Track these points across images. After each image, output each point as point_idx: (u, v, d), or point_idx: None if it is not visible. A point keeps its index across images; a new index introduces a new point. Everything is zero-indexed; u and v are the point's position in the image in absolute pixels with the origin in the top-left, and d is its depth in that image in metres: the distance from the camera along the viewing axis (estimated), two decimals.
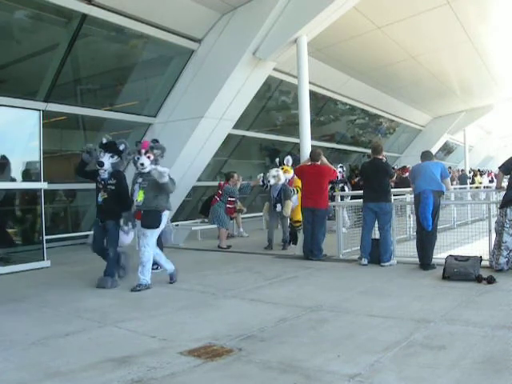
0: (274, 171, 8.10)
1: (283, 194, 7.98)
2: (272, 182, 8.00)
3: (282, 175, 8.07)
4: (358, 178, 11.26)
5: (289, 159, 8.60)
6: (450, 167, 17.34)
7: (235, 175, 8.69)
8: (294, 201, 8.08)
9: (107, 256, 5.38)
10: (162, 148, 5.31)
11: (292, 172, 8.26)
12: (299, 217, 7.68)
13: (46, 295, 5.02)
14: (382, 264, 6.13)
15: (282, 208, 7.94)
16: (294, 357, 3.00)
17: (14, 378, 2.81)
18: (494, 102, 18.95)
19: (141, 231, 5.17)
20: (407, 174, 10.25)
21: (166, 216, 5.30)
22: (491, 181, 20.18)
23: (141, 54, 8.80)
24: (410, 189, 6.66)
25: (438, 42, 11.01)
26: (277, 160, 9.07)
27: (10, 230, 7.67)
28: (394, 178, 6.84)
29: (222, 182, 8.82)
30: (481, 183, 18.99)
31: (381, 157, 6.54)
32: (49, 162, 7.88)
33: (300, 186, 7.42)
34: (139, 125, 9.06)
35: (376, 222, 6.35)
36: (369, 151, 7.30)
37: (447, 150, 25.81)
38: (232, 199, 8.60)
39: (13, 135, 7.06)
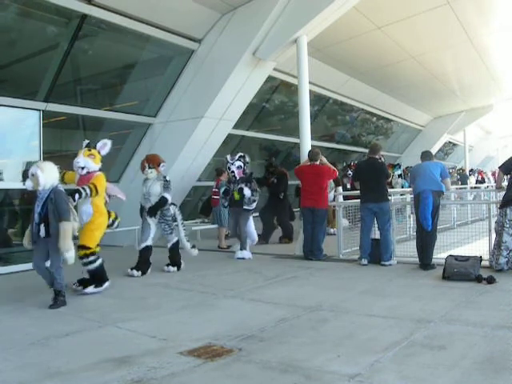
0: (33, 168, 4.57)
1: (51, 207, 4.47)
2: (28, 186, 4.60)
3: (41, 176, 4.45)
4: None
5: (106, 143, 5.33)
6: None
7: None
8: (86, 211, 5.05)
9: None
10: None
11: (99, 162, 5.25)
12: (92, 240, 5.04)
13: (45, 295, 5.01)
14: (382, 264, 6.14)
15: (45, 233, 4.50)
16: (294, 357, 3.00)
17: (13, 378, 2.81)
18: (494, 102, 18.95)
19: None
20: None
21: None
22: (480, 181, 20.21)
23: (141, 54, 8.80)
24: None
25: (438, 42, 11.02)
26: (84, 142, 5.39)
27: (9, 230, 7.66)
28: (390, 179, 6.79)
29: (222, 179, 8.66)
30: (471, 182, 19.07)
31: (377, 156, 6.55)
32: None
33: (98, 183, 5.06)
34: (139, 125, 9.05)
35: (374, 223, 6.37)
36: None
37: (449, 147, 25.77)
38: (216, 190, 8.48)
39: (13, 135, 7.06)
